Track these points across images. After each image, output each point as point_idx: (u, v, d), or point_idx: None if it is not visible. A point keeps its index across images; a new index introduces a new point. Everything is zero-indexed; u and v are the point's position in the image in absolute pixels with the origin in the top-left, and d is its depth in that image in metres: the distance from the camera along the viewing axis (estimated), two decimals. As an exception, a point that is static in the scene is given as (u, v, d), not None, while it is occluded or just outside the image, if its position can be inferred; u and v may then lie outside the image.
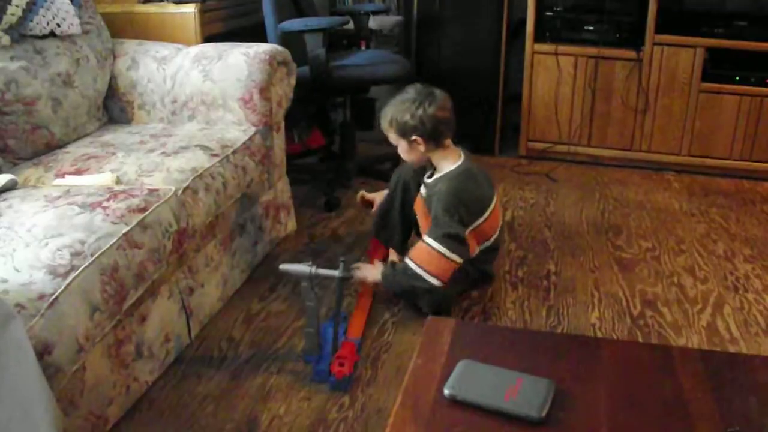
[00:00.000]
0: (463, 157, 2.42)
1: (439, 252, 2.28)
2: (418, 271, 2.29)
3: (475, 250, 2.46)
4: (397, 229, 2.62)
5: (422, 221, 2.50)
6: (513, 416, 1.12)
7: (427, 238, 2.31)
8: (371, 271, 2.41)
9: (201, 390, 2.03)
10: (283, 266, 2.08)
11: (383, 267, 2.39)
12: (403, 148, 2.42)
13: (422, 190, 2.50)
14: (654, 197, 3.54)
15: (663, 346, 1.79)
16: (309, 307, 2.04)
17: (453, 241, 2.29)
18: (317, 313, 2.06)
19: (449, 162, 2.41)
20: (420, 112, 2.30)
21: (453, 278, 2.37)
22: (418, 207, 2.53)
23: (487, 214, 2.43)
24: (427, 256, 2.29)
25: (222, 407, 1.96)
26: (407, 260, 2.32)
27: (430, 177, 2.47)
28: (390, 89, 4.29)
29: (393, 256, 2.65)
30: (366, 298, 2.49)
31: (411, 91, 2.37)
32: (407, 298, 2.45)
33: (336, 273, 2.02)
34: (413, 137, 2.34)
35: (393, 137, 2.41)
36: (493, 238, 2.52)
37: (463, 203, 2.33)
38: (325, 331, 2.15)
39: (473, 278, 2.55)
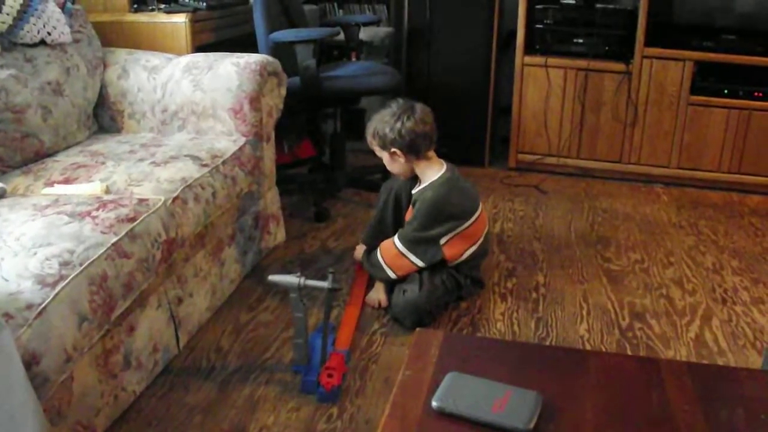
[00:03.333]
0: (446, 166, 2.51)
1: (400, 252, 2.46)
2: (381, 262, 2.49)
3: (464, 253, 2.51)
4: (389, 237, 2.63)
5: None
6: (501, 428, 1.12)
7: (396, 236, 2.49)
8: (359, 253, 2.69)
9: (189, 400, 2.03)
10: (272, 277, 2.08)
11: (362, 261, 2.62)
12: (386, 160, 2.54)
13: (413, 200, 2.54)
14: (643, 209, 3.55)
15: (650, 359, 1.79)
16: (297, 318, 2.04)
17: (420, 245, 2.44)
18: (306, 324, 2.06)
19: (433, 171, 2.49)
20: (399, 125, 2.41)
21: (444, 289, 2.48)
22: (408, 218, 2.54)
23: (472, 219, 2.50)
24: (391, 252, 2.48)
25: (210, 418, 1.95)
26: (377, 250, 2.52)
27: (416, 188, 2.54)
28: (380, 100, 4.30)
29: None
30: (354, 309, 2.49)
31: (393, 106, 2.48)
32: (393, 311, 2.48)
33: (325, 284, 2.02)
34: (392, 149, 2.45)
35: (376, 149, 2.53)
36: (479, 243, 2.56)
37: (446, 211, 2.44)
38: (313, 342, 2.14)
39: (465, 286, 2.56)
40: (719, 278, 2.81)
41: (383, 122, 2.45)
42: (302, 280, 2.00)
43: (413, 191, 2.54)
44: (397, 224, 2.62)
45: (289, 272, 2.06)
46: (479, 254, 2.58)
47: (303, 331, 2.06)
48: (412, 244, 2.44)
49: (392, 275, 2.47)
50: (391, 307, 2.49)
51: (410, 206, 2.54)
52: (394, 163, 2.50)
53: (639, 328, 2.44)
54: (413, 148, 2.44)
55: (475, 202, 2.54)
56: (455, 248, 2.47)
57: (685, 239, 3.19)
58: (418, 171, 2.50)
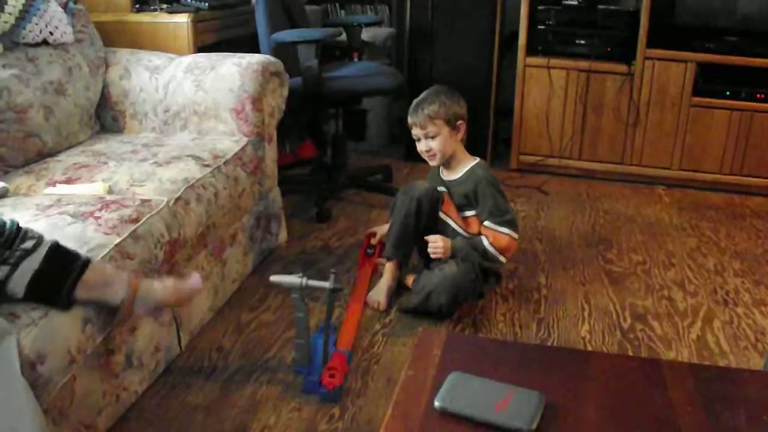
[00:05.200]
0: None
1: (509, 236, 2.51)
2: (493, 251, 2.50)
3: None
4: (412, 245, 2.64)
5: (459, 220, 2.58)
6: (503, 429, 1.12)
7: (496, 226, 2.50)
8: (442, 242, 2.52)
9: (191, 400, 2.03)
10: (274, 277, 2.08)
11: (454, 240, 2.53)
12: (444, 137, 2.52)
13: (443, 189, 2.59)
14: (644, 211, 3.55)
15: (653, 360, 1.79)
16: (299, 318, 2.04)
17: (513, 225, 2.54)
18: (307, 324, 2.06)
19: (468, 158, 2.59)
20: (463, 102, 2.56)
21: (475, 273, 2.51)
22: (449, 208, 2.57)
23: None
24: (502, 239, 2.50)
25: (212, 418, 1.95)
26: (485, 243, 2.49)
27: (450, 176, 2.60)
28: (382, 101, 4.31)
29: (387, 270, 2.63)
30: (356, 309, 2.49)
31: (440, 88, 2.57)
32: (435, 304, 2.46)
33: (326, 284, 2.02)
34: (459, 122, 2.52)
35: (437, 124, 2.50)
36: None
37: (500, 189, 2.57)
38: (315, 342, 2.14)
39: (489, 279, 2.60)
40: (721, 280, 2.81)
41: (449, 99, 2.51)
42: (304, 280, 2.00)
43: (448, 178, 2.59)
44: (419, 231, 2.57)
45: (290, 272, 2.06)
46: None
47: (305, 332, 2.06)
48: (510, 223, 2.52)
49: (504, 260, 2.55)
50: (418, 289, 2.48)
51: (446, 198, 2.58)
52: (450, 139, 2.52)
53: (640, 330, 2.44)
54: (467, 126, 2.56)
55: None
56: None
57: (687, 241, 3.19)
58: (458, 153, 2.57)
